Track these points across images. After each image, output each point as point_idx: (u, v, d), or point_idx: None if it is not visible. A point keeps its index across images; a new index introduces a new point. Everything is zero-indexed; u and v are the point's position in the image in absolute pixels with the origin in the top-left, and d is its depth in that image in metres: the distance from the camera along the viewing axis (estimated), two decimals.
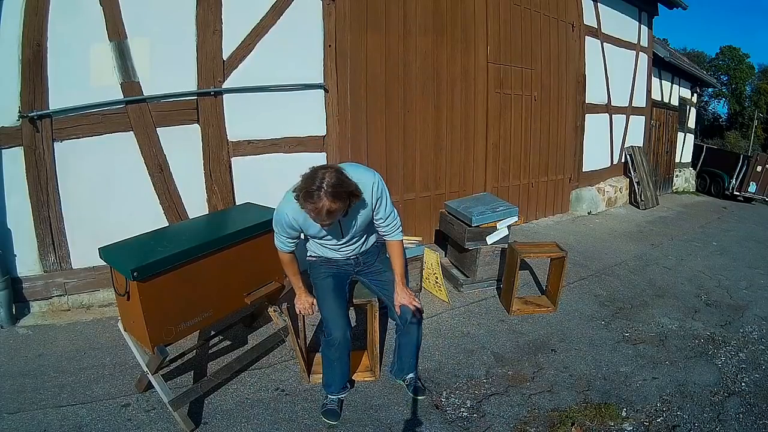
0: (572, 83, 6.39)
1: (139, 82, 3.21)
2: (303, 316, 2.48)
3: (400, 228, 2.21)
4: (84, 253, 3.17)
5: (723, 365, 2.83)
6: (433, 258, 3.54)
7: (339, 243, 2.17)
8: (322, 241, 2.18)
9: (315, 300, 2.30)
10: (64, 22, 2.98)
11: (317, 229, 2.03)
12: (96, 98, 3.10)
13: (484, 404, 2.36)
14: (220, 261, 2.22)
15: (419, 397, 2.39)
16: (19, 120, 2.95)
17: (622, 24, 7.35)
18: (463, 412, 2.30)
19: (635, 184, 7.80)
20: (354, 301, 2.42)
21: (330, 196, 1.73)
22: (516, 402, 2.39)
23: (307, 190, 1.75)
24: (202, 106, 3.40)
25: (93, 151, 3.16)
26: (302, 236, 2.17)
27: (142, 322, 1.94)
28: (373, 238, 2.32)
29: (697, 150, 12.59)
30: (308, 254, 2.31)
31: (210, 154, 3.48)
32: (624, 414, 2.32)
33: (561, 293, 3.49)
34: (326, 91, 3.88)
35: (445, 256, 4.30)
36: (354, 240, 2.20)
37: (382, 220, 2.14)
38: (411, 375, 2.45)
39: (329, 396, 2.29)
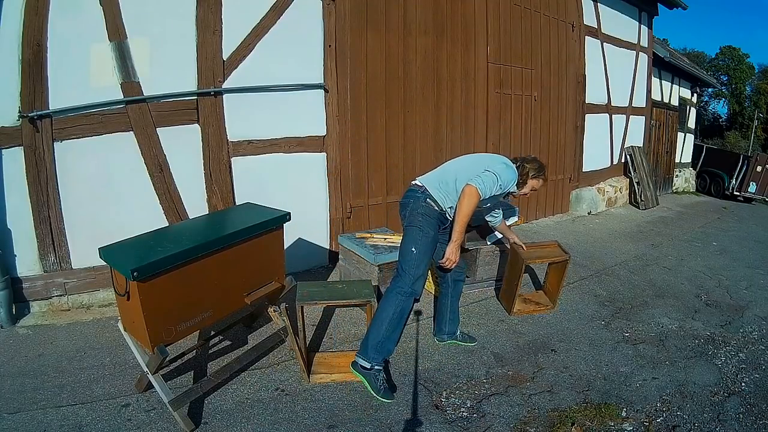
0: (572, 83, 6.40)
1: (139, 82, 3.21)
2: (303, 316, 2.50)
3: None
4: (84, 253, 3.17)
5: (723, 365, 2.83)
6: None
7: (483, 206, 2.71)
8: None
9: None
10: (64, 22, 2.98)
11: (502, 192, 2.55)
12: (96, 98, 3.10)
13: (484, 404, 2.36)
14: (220, 261, 2.21)
15: (472, 344, 2.88)
16: (19, 120, 2.95)
17: (622, 24, 7.36)
18: (463, 412, 2.30)
19: (635, 184, 7.80)
20: (354, 301, 2.42)
21: None
22: (516, 402, 2.39)
23: (544, 169, 2.67)
24: (202, 106, 3.41)
25: (93, 151, 3.16)
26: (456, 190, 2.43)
27: (142, 322, 1.94)
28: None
29: (697, 150, 12.60)
30: (431, 203, 2.44)
31: (210, 154, 3.48)
32: (624, 414, 2.32)
33: (561, 293, 3.49)
34: (326, 91, 3.88)
35: None
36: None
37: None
38: (458, 329, 2.89)
39: (378, 368, 2.35)
